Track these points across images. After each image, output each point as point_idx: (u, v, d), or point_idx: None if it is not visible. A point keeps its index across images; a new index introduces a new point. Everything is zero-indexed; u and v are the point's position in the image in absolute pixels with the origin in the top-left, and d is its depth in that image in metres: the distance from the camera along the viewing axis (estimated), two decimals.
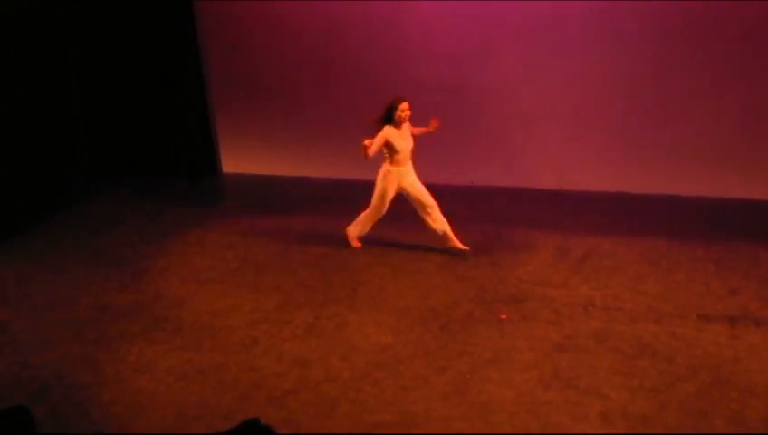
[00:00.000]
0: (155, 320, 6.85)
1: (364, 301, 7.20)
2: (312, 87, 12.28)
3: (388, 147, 7.83)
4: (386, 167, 8.01)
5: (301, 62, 12.23)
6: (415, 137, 8.09)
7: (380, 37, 11.73)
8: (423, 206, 8.07)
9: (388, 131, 7.76)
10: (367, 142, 7.56)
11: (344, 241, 8.59)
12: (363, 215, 8.43)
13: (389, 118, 7.81)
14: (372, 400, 5.34)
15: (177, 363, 6.02)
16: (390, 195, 8.07)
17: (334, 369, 5.85)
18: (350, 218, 8.56)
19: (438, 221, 8.13)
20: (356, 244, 8.59)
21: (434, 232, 8.18)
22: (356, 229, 8.53)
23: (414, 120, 8.13)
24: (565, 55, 11.27)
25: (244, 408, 5.25)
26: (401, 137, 7.86)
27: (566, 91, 11.39)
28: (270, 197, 10.71)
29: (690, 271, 7.95)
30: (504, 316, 6.76)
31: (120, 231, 9.36)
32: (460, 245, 8.23)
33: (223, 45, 12.43)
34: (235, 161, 13.08)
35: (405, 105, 7.80)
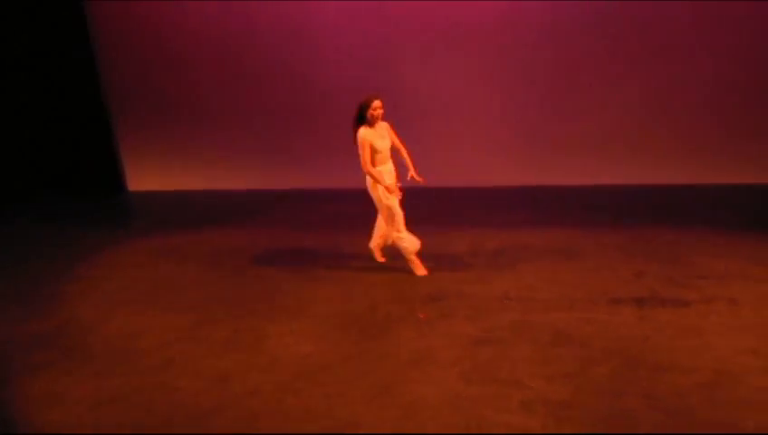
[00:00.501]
0: (63, 348, 6.64)
1: (282, 311, 7.16)
2: (219, 97, 12.17)
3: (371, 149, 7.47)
4: None
5: (206, 71, 12.10)
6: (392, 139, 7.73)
7: (288, 43, 11.70)
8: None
9: (364, 134, 7.38)
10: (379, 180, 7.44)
11: (258, 253, 8.53)
12: (377, 227, 8.22)
13: (362, 118, 7.43)
14: (296, 410, 5.32)
15: (90, 392, 5.85)
16: (392, 191, 7.57)
17: (256, 382, 5.80)
18: (264, 230, 8.50)
19: (379, 232, 8.14)
20: (380, 259, 8.44)
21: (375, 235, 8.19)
22: (376, 242, 8.34)
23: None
24: (469, 55, 11.47)
25: (166, 431, 5.16)
26: (378, 136, 7.48)
27: (471, 89, 11.59)
28: (180, 212, 10.56)
29: (599, 258, 8.19)
30: (422, 315, 6.83)
31: (24, 257, 9.09)
32: (380, 257, 8.32)
33: (120, 60, 12.18)
34: (142, 178, 12.87)
35: (376, 103, 7.42)
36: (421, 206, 9.79)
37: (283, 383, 5.73)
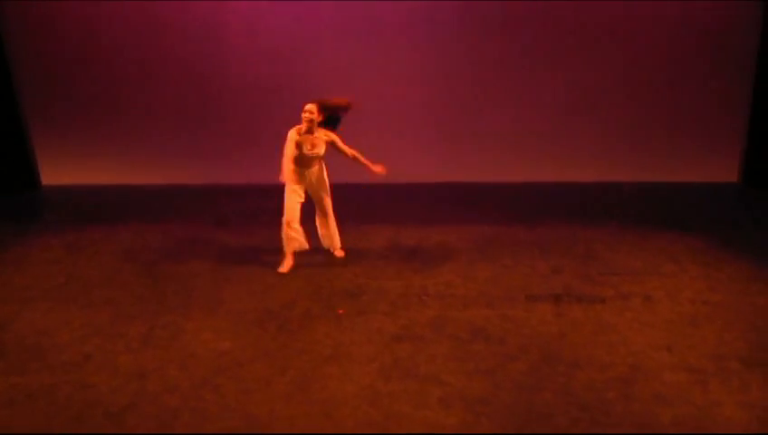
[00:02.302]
0: None
1: (199, 307, 7.07)
2: (132, 91, 11.99)
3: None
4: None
5: (118, 65, 11.90)
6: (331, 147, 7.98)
7: (200, 38, 11.58)
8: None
9: (292, 135, 7.67)
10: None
11: (174, 249, 8.41)
12: (318, 225, 8.47)
13: (326, 121, 8.01)
14: (214, 407, 5.26)
15: (3, 389, 5.69)
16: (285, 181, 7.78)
17: (173, 379, 5.71)
18: (179, 225, 8.36)
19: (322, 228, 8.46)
20: (339, 253, 8.56)
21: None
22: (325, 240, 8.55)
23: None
24: (386, 52, 11.50)
25: (80, 428, 5.04)
26: (308, 141, 7.81)
27: (388, 86, 11.62)
28: (93, 207, 10.32)
29: (516, 254, 8.32)
30: (340, 311, 6.83)
31: None
32: (339, 252, 8.52)
33: (31, 52, 11.88)
34: (56, 172, 12.56)
35: (306, 106, 7.79)
36: (339, 201, 9.80)
37: (200, 380, 5.66)
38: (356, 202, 10.23)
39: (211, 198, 10.71)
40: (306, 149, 7.76)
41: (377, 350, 6.05)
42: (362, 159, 8.02)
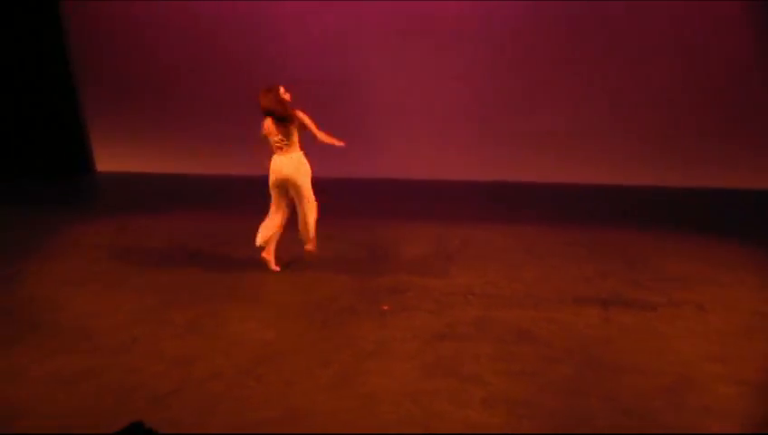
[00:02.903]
0: (28, 325, 6.56)
1: (245, 297, 7.12)
2: (185, 83, 12.11)
3: None
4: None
5: (172, 57, 12.03)
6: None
7: (252, 32, 11.65)
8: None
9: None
10: None
11: (223, 238, 8.46)
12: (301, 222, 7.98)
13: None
14: (256, 396, 5.28)
15: (53, 368, 5.78)
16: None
17: (217, 366, 5.75)
18: (230, 215, 8.41)
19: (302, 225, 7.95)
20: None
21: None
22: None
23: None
24: (438, 49, 11.46)
25: (126, 410, 5.09)
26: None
27: (438, 82, 11.59)
28: (147, 194, 10.47)
29: (564, 256, 8.22)
30: (385, 307, 6.81)
31: None
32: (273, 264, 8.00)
33: (92, 43, 12.07)
34: (110, 159, 12.75)
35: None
36: (388, 198, 9.79)
37: (243, 369, 5.69)
38: (403, 199, 10.21)
39: (260, 189, 10.76)
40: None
41: (420, 347, 6.02)
42: (322, 135, 7.65)
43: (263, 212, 7.93)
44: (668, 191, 11.38)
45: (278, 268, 7.82)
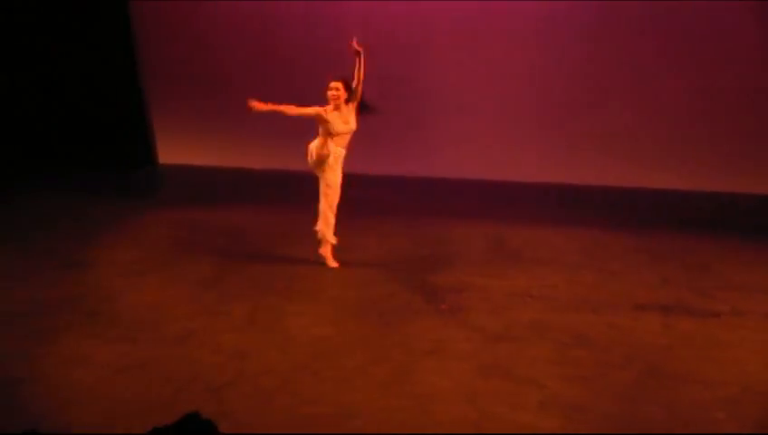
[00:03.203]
0: (89, 313, 6.69)
1: (302, 292, 7.16)
2: (246, 77, 12.18)
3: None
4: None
5: (237, 53, 12.13)
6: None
7: (316, 28, 11.68)
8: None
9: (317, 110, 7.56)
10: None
11: (282, 233, 8.51)
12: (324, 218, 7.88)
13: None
14: (310, 391, 5.30)
15: (114, 356, 5.89)
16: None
17: (272, 361, 5.79)
18: (289, 210, 8.46)
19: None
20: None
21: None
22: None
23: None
24: (500, 47, 11.38)
25: (182, 401, 5.16)
26: (340, 119, 7.60)
27: (502, 82, 11.50)
28: (208, 187, 10.59)
29: (624, 261, 8.09)
30: (443, 306, 6.78)
31: (54, 224, 9.15)
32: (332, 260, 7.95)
33: (157, 36, 12.24)
34: (172, 152, 12.92)
35: (332, 84, 7.61)
36: (447, 197, 9.75)
37: (298, 364, 5.71)
38: (463, 199, 10.16)
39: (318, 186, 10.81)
40: (340, 127, 7.52)
41: (476, 348, 5.99)
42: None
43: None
44: (731, 197, 11.11)
45: (337, 264, 7.83)
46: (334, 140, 7.56)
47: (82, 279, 7.52)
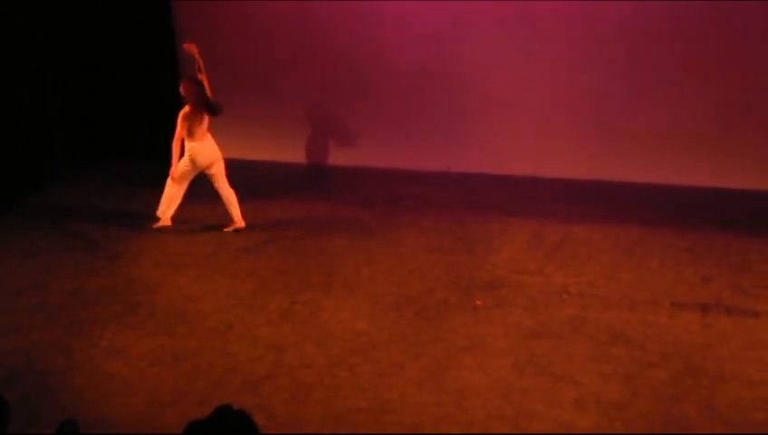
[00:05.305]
0: (128, 305, 6.79)
1: (339, 286, 7.18)
2: (288, 72, 12.21)
3: None
4: None
5: (275, 47, 12.16)
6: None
7: (356, 22, 11.67)
8: None
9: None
10: None
11: (318, 227, 8.55)
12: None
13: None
14: (347, 385, 5.34)
15: (151, 349, 5.98)
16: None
17: (309, 355, 5.83)
18: (327, 204, 8.49)
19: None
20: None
21: None
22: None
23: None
24: (541, 42, 11.29)
25: (219, 393, 5.22)
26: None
27: (542, 78, 11.41)
28: (245, 181, 10.63)
29: (663, 259, 8.00)
30: (479, 302, 6.77)
31: (92, 215, 9.25)
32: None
33: (197, 30, 12.32)
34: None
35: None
36: (486, 193, 9.72)
37: (335, 358, 5.75)
38: (501, 195, 10.11)
39: (357, 180, 10.84)
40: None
41: (513, 344, 5.98)
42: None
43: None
44: None
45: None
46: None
47: (122, 271, 7.61)
